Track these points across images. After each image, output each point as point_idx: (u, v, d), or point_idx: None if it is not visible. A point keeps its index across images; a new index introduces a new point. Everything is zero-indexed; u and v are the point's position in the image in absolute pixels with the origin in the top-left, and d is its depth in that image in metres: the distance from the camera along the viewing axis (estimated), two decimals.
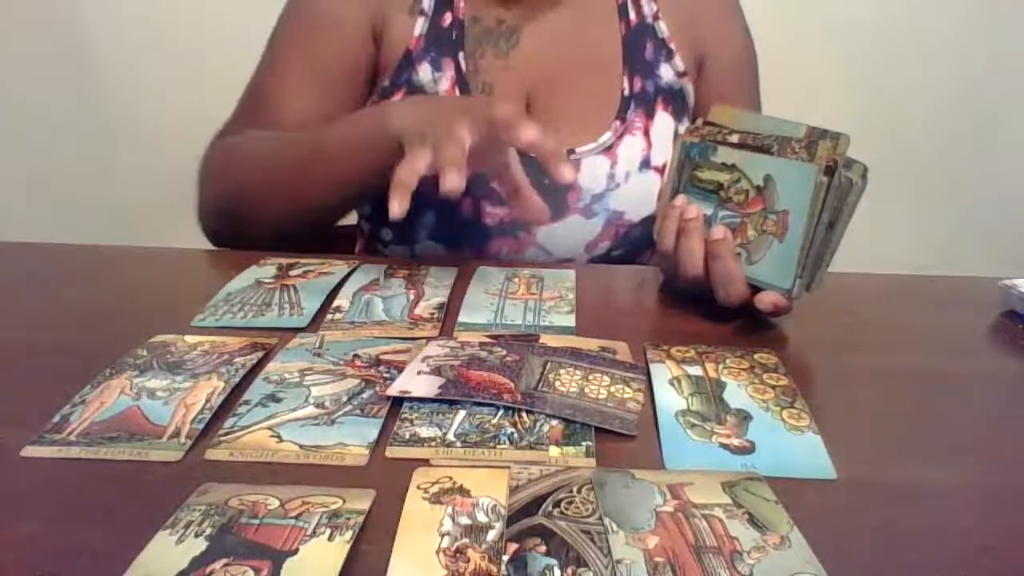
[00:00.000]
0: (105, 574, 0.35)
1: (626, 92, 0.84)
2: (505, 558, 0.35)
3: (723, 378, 0.54)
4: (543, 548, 0.36)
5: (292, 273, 0.72)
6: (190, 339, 0.58)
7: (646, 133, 0.84)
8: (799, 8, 1.46)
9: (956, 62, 1.49)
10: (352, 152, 0.71)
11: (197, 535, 0.36)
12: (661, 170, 0.84)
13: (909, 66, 1.49)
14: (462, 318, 0.63)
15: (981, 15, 1.46)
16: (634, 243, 0.85)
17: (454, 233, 0.82)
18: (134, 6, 1.45)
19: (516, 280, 0.71)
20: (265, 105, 0.83)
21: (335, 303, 0.65)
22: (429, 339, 0.59)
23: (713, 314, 0.64)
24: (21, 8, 1.46)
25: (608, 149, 0.82)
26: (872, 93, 1.49)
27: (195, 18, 1.45)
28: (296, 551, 0.35)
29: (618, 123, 0.83)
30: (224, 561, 0.35)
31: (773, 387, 0.53)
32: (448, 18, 0.83)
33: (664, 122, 0.85)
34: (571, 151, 0.82)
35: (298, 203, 0.76)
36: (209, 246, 0.83)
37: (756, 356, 0.57)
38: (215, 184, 0.81)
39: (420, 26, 0.82)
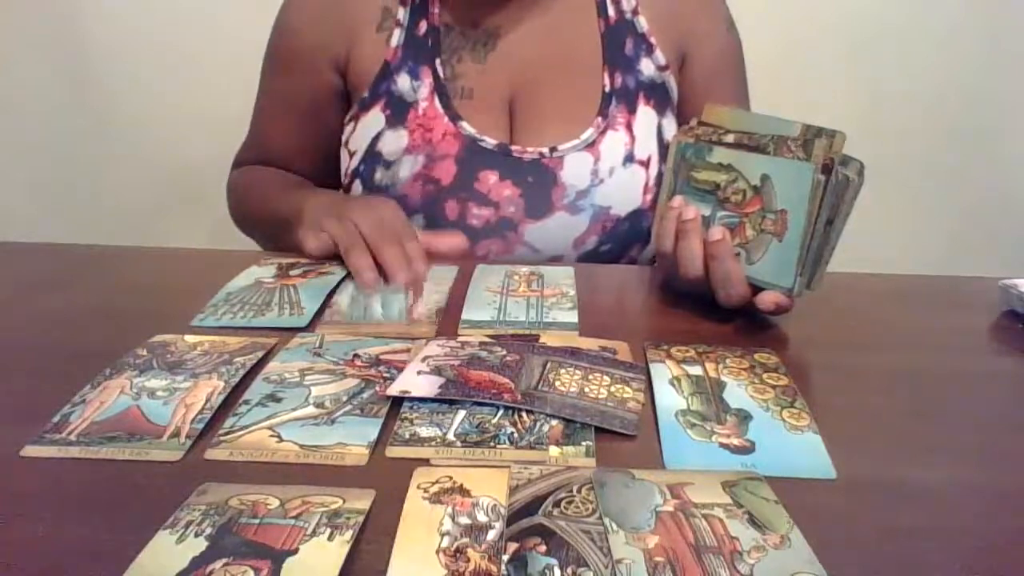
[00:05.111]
0: (105, 574, 0.35)
1: (607, 88, 0.85)
2: (505, 558, 0.35)
3: (723, 378, 0.54)
4: (543, 548, 0.36)
5: (292, 273, 0.72)
6: (190, 339, 0.58)
7: (628, 128, 0.84)
8: (799, 8, 1.45)
9: (956, 62, 1.48)
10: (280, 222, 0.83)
11: (197, 535, 0.36)
12: (645, 163, 0.84)
13: (909, 65, 1.48)
14: (466, 315, 0.63)
15: (981, 15, 1.46)
16: (622, 237, 0.85)
17: None
18: (134, 6, 1.45)
19: (516, 277, 0.71)
20: (256, 136, 0.96)
21: (335, 302, 0.65)
22: (429, 339, 0.59)
23: (713, 314, 0.64)
24: (21, 8, 1.46)
25: (591, 145, 0.83)
26: (872, 93, 1.49)
27: (195, 18, 1.44)
28: (296, 551, 0.35)
29: (600, 119, 0.84)
30: (224, 561, 0.35)
31: (773, 387, 0.53)
32: (423, 26, 0.84)
33: (647, 116, 0.85)
34: (553, 149, 0.82)
35: (269, 234, 0.90)
36: (209, 246, 0.83)
37: (756, 356, 0.57)
38: (229, 208, 0.98)
39: (397, 37, 0.84)
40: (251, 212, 0.93)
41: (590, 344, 0.58)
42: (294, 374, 0.53)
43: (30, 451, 0.44)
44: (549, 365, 0.54)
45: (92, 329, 0.62)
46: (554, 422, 0.47)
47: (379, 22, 0.85)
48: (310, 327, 0.61)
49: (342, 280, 0.70)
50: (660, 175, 0.85)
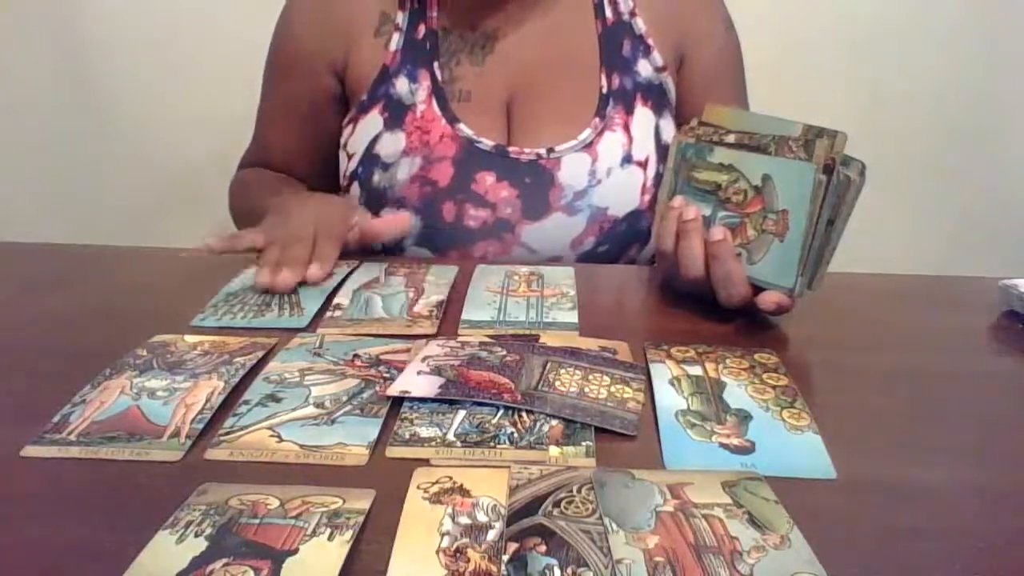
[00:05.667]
0: (105, 574, 0.35)
1: (604, 90, 0.85)
2: (505, 558, 0.35)
3: (723, 378, 0.54)
4: (543, 548, 0.36)
5: None
6: (190, 339, 0.58)
7: (626, 128, 0.84)
8: (799, 7, 1.46)
9: (956, 62, 1.49)
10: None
11: (197, 535, 0.36)
12: (643, 164, 0.84)
13: (909, 65, 1.48)
14: (466, 315, 0.63)
15: (981, 15, 1.46)
16: (620, 238, 0.85)
17: (439, 237, 0.83)
18: (134, 6, 1.45)
19: (516, 278, 0.71)
20: (258, 139, 0.97)
21: (335, 300, 0.65)
22: (429, 339, 0.59)
23: (713, 314, 0.64)
24: (21, 8, 1.46)
25: (588, 146, 0.83)
26: (872, 93, 1.49)
27: (195, 18, 1.45)
28: (296, 551, 0.35)
29: (597, 120, 0.84)
30: (224, 561, 0.35)
31: (773, 387, 0.53)
32: (422, 30, 0.85)
33: (644, 117, 0.86)
34: (551, 149, 0.82)
35: None
36: None
37: (756, 356, 0.57)
38: (229, 209, 0.99)
39: (396, 41, 0.85)
40: (241, 213, 0.94)
41: (590, 344, 0.58)
42: (294, 374, 0.53)
43: (30, 451, 0.44)
44: (549, 365, 0.54)
45: (92, 329, 0.62)
46: (554, 422, 0.47)
47: (377, 26, 0.85)
48: (310, 327, 0.61)
49: (342, 280, 0.70)
50: (658, 176, 0.85)
